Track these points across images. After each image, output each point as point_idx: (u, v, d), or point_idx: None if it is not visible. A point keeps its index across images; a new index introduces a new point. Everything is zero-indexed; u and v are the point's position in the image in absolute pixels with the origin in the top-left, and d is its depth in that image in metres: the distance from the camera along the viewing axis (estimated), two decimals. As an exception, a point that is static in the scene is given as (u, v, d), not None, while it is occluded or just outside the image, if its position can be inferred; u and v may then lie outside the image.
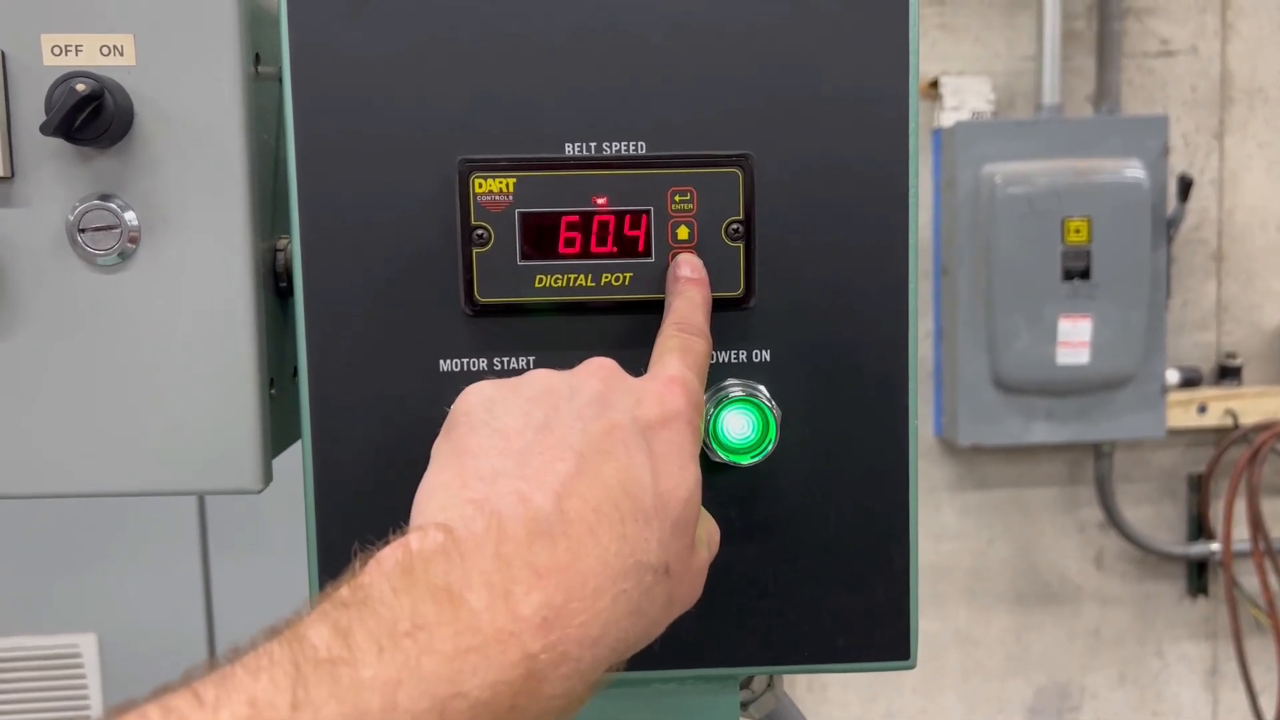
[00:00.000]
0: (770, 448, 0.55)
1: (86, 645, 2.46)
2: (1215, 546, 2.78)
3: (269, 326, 0.59)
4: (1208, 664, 2.93)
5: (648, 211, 0.54)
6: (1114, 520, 2.79)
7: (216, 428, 0.56)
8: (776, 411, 0.55)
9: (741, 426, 0.55)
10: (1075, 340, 2.59)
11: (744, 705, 0.65)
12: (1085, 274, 2.55)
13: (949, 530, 2.85)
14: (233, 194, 0.56)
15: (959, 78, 2.70)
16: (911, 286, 0.56)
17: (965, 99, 2.70)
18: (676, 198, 0.54)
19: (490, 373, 0.56)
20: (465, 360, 0.56)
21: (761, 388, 0.56)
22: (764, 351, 0.57)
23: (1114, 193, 2.52)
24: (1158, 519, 2.86)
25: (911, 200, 0.56)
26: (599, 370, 0.48)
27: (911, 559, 0.58)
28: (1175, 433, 2.75)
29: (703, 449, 0.57)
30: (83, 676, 2.43)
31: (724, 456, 0.56)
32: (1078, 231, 2.54)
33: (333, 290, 0.56)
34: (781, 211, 0.56)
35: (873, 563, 0.58)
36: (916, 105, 0.56)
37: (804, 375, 0.57)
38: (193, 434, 0.56)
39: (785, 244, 0.56)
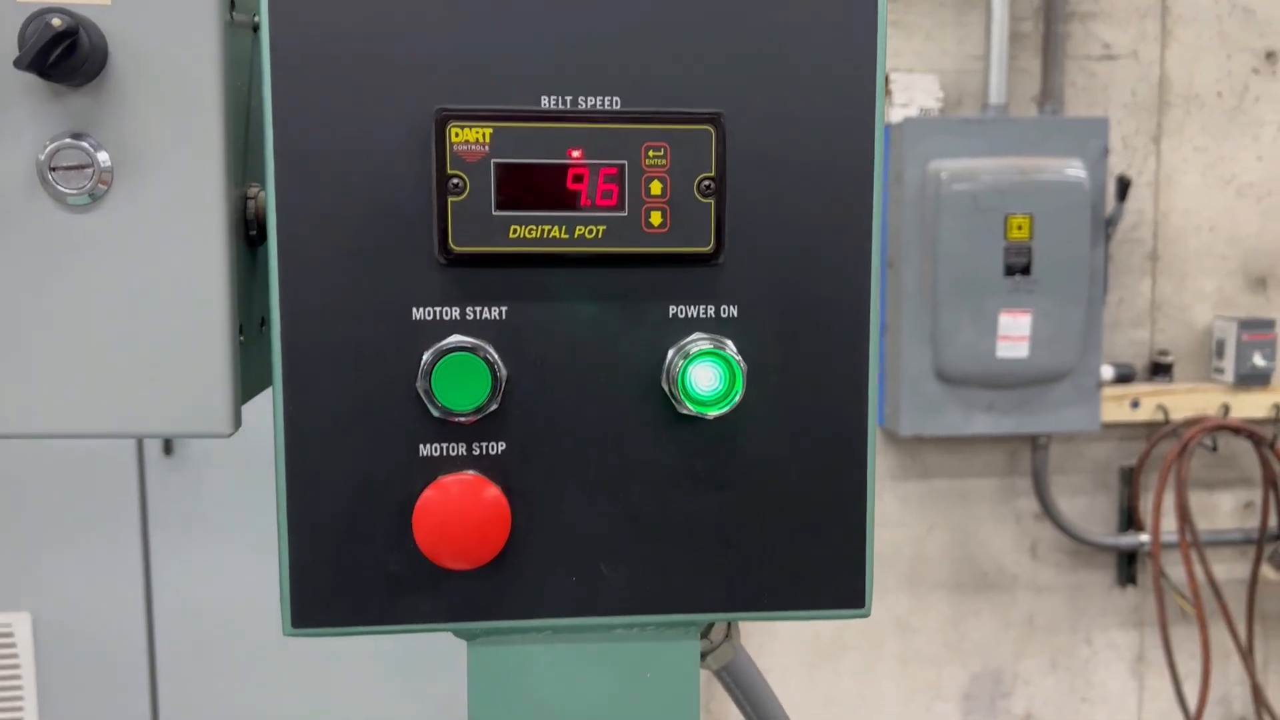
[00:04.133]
0: (736, 398, 0.57)
1: (20, 625, 2.41)
2: (1144, 538, 2.87)
3: (239, 274, 0.59)
4: (1135, 651, 3.02)
5: (621, 166, 0.56)
6: (1049, 511, 2.87)
7: (188, 372, 0.56)
8: (742, 364, 0.57)
9: (709, 378, 0.57)
10: (1015, 334, 2.65)
11: (702, 655, 0.67)
12: (1026, 270, 2.61)
13: (890, 519, 2.90)
14: (207, 139, 0.56)
15: (909, 75, 2.74)
16: (875, 245, 0.58)
17: (914, 96, 2.75)
18: (650, 153, 0.56)
19: (463, 322, 0.57)
20: (437, 309, 0.57)
21: (728, 341, 0.57)
22: (732, 307, 0.58)
23: (1056, 191, 2.58)
24: (1090, 510, 2.94)
25: (876, 161, 0.58)
26: None
27: (868, 512, 0.60)
28: (1109, 427, 2.83)
29: (671, 402, 0.58)
30: (16, 656, 2.38)
31: (692, 409, 0.57)
32: (1020, 228, 2.60)
33: (306, 238, 0.56)
34: (752, 171, 0.57)
35: (831, 515, 0.60)
36: (883, 70, 0.57)
37: (770, 331, 0.58)
38: (164, 377, 0.56)
39: (754, 203, 0.58)
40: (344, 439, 0.57)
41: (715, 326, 0.58)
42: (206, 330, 0.56)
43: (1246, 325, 2.79)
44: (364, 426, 0.57)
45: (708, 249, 0.57)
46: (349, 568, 0.57)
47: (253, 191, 0.61)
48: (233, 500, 2.38)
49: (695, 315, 0.58)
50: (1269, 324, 2.79)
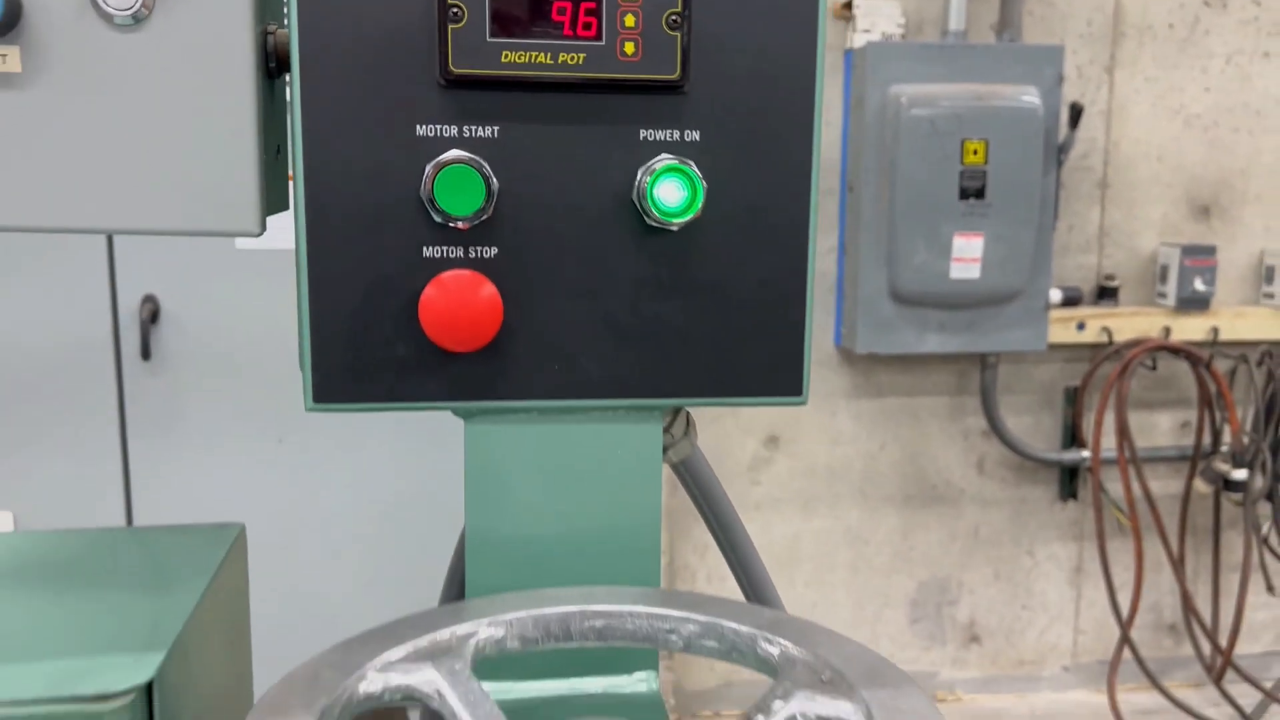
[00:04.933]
0: (698, 208, 0.66)
1: (3, 523, 2.48)
2: (1086, 454, 3.02)
3: (263, 96, 0.67)
4: (1074, 563, 3.19)
5: None
6: (996, 428, 3.00)
7: (222, 176, 0.64)
8: (703, 179, 0.66)
9: (673, 191, 0.66)
10: (968, 256, 2.76)
11: (664, 450, 0.76)
12: (981, 194, 2.71)
13: (844, 435, 3.03)
14: (236, -31, 0.63)
15: (871, 0, 2.81)
16: (819, 81, 0.67)
17: (876, 21, 2.82)
18: (626, -12, 0.64)
19: (460, 139, 0.65)
20: (439, 127, 0.65)
21: (690, 161, 0.66)
22: (694, 132, 0.67)
23: (1011, 117, 2.68)
24: (1035, 428, 3.09)
25: (821, 9, 0.67)
26: None
27: (807, 314, 0.70)
28: (1055, 347, 2.96)
29: (641, 215, 0.67)
30: None
31: (660, 218, 0.66)
32: (975, 153, 2.70)
33: (325, 65, 0.64)
34: (713, 9, 0.66)
35: (776, 316, 0.69)
36: (827, -75, 0.66)
37: (727, 154, 0.67)
38: (201, 182, 0.64)
39: (716, 39, 0.66)
40: (357, 242, 0.66)
41: (680, 149, 0.67)
42: (238, 138, 0.64)
43: (1189, 251, 2.92)
44: (374, 231, 0.66)
45: (674, 77, 0.65)
46: (363, 352, 0.66)
47: (271, 28, 0.69)
48: (208, 405, 2.45)
49: (663, 139, 0.67)
50: (1210, 250, 2.93)
